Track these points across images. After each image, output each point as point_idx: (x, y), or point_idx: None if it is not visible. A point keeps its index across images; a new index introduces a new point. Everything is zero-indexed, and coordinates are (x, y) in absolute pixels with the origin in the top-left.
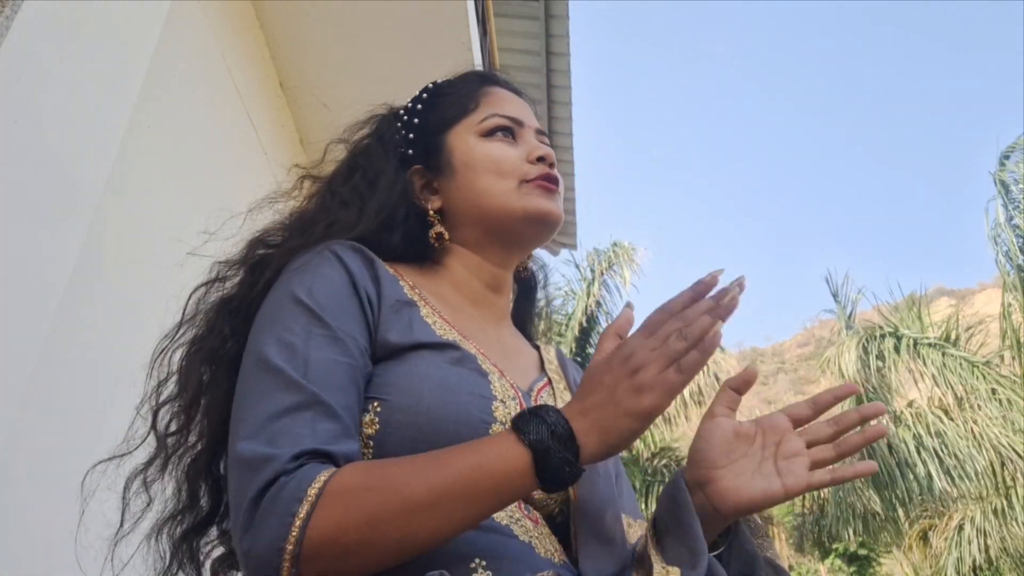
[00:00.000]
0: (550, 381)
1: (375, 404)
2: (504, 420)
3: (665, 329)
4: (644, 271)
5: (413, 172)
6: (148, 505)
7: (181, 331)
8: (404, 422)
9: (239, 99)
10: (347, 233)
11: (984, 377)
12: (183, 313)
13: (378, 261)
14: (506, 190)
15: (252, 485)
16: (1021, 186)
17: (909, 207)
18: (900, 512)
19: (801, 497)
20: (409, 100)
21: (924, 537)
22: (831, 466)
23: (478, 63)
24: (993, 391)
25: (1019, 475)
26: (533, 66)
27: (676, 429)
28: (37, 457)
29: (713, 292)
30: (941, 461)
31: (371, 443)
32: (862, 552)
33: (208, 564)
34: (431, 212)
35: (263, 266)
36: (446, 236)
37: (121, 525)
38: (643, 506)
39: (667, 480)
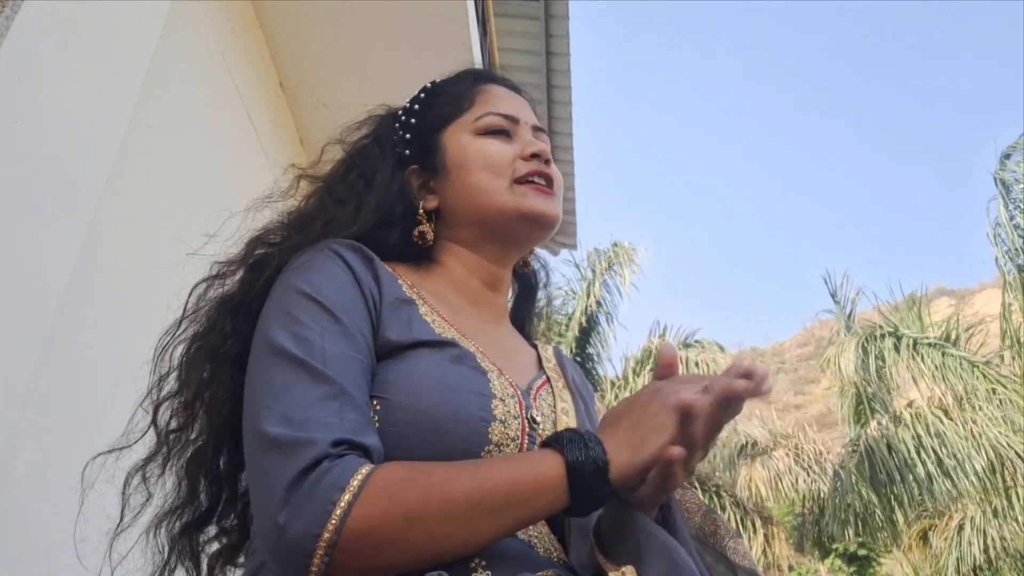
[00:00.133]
0: (548, 380)
1: (375, 403)
2: (503, 418)
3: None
4: (644, 271)
5: (410, 172)
6: (148, 500)
7: (182, 327)
8: (404, 420)
9: (239, 99)
10: (345, 231)
11: (984, 377)
12: (184, 309)
13: (377, 260)
14: (499, 188)
15: (290, 467)
16: (1022, 186)
17: (909, 207)
18: (899, 512)
19: (801, 497)
20: (407, 101)
21: (924, 537)
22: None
23: (478, 63)
24: (993, 391)
25: (1019, 475)
26: (533, 66)
27: None
28: (37, 457)
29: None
30: (940, 461)
31: None
32: (862, 552)
33: (206, 560)
34: (421, 211)
35: (263, 265)
36: (429, 237)
37: (121, 520)
38: None
39: None
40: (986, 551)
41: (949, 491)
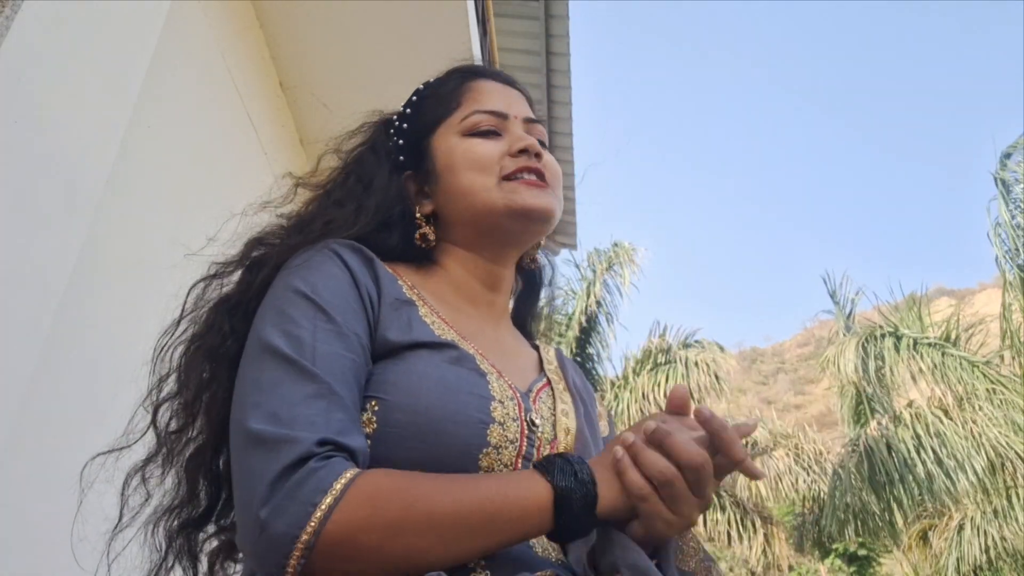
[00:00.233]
0: (549, 382)
1: (373, 403)
2: (502, 420)
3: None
4: (644, 271)
5: (407, 178)
6: (146, 500)
7: (180, 327)
8: (402, 421)
9: (239, 99)
10: (345, 231)
11: (984, 377)
12: (182, 309)
13: (377, 260)
14: (487, 187)
15: (274, 464)
16: (1022, 185)
17: (910, 207)
18: (899, 512)
19: (801, 497)
20: (402, 105)
21: (924, 537)
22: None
23: (478, 63)
24: (993, 391)
25: (1019, 475)
26: (533, 66)
27: None
28: (37, 457)
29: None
30: (940, 461)
31: (368, 442)
32: (862, 552)
33: (205, 557)
34: (418, 215)
35: (261, 264)
36: (431, 238)
37: (120, 520)
38: None
39: None
40: (986, 551)
41: (949, 491)
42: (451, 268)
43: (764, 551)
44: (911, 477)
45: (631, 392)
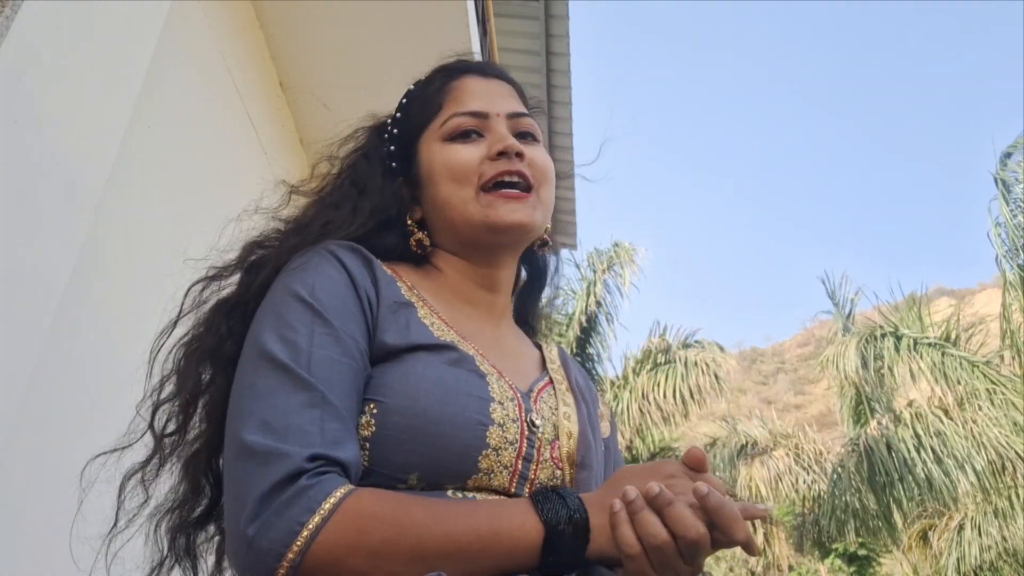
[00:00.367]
0: (551, 381)
1: (371, 406)
2: (502, 422)
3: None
4: (644, 271)
5: (399, 184)
6: (145, 502)
7: (176, 328)
8: (401, 424)
9: (239, 99)
10: (343, 232)
11: (984, 377)
12: (179, 310)
13: (376, 262)
14: (465, 199)
15: (264, 478)
16: (1022, 185)
17: (910, 207)
18: (898, 512)
19: (801, 497)
20: (395, 108)
21: (924, 537)
22: None
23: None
24: (993, 391)
25: (1019, 475)
26: (533, 66)
27: (676, 429)
28: (37, 457)
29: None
30: (940, 461)
31: (367, 445)
32: (862, 552)
33: (203, 560)
34: (410, 222)
35: (260, 266)
36: (427, 243)
37: (116, 523)
38: None
39: None
40: (987, 551)
41: (949, 491)
42: (447, 271)
43: (764, 551)
44: (911, 477)
45: (631, 392)
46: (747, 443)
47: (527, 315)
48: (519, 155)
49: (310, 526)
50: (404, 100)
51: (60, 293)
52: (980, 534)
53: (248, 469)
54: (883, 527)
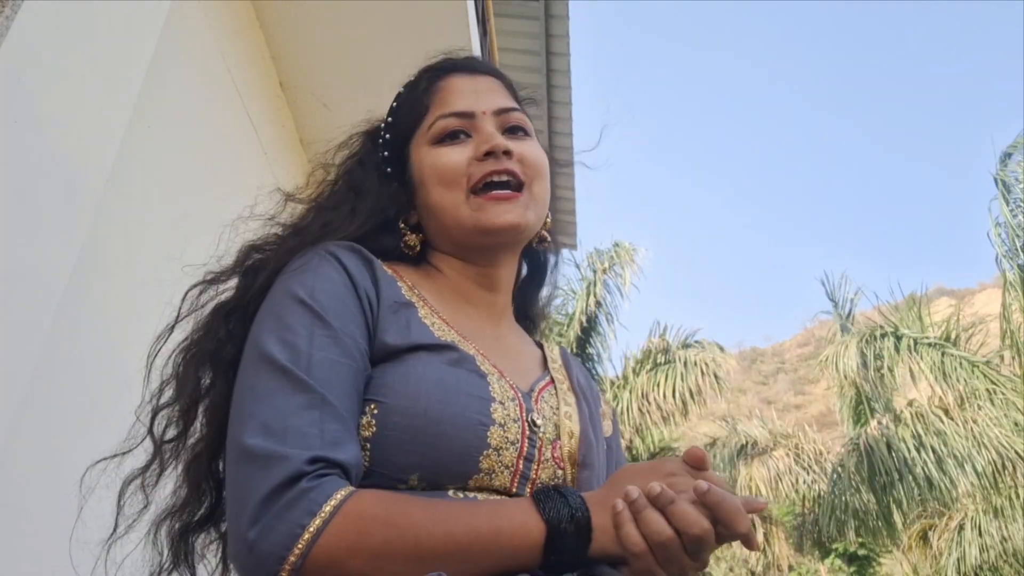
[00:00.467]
0: (553, 380)
1: (372, 406)
2: (503, 422)
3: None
4: (644, 271)
5: (396, 188)
6: (145, 508)
7: (174, 333)
8: (401, 424)
9: (239, 99)
10: (342, 233)
11: (984, 377)
12: (177, 314)
13: (376, 262)
14: (456, 203)
15: (264, 482)
16: (1022, 186)
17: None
18: (898, 512)
19: (801, 497)
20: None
21: (924, 537)
22: None
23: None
24: (993, 391)
25: (1019, 475)
26: (533, 66)
27: (676, 429)
28: (37, 457)
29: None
30: (941, 461)
31: (368, 446)
32: (862, 552)
33: (204, 563)
34: (401, 224)
35: (258, 269)
36: (412, 244)
37: (115, 529)
38: None
39: None
40: (986, 551)
41: (949, 491)
42: (446, 271)
43: (764, 551)
44: (911, 477)
45: (631, 392)
46: (747, 443)
47: (528, 310)
48: (507, 153)
49: (311, 529)
50: (394, 104)
51: (60, 293)
52: (980, 534)
53: (248, 472)
54: (883, 527)
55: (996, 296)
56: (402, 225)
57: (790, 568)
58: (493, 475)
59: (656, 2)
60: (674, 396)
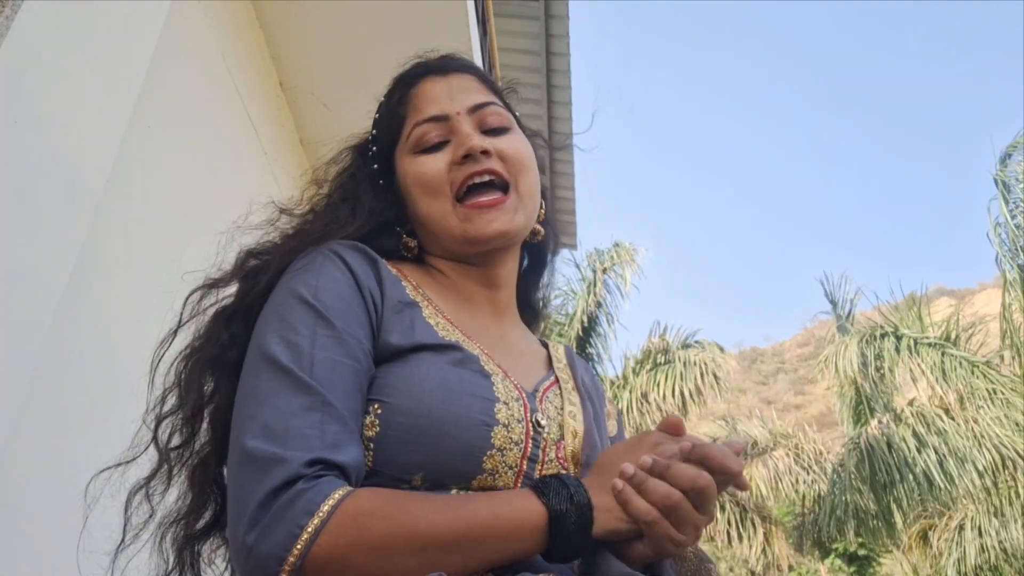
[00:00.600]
0: (558, 380)
1: (375, 406)
2: (507, 422)
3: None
4: (645, 271)
5: (390, 198)
6: (151, 517)
7: (176, 337)
8: (405, 424)
9: (239, 99)
10: (345, 232)
11: (984, 377)
12: (179, 319)
13: (381, 261)
14: (444, 213)
15: (263, 484)
16: (1022, 186)
17: (910, 207)
18: (898, 513)
19: (801, 497)
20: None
21: (924, 537)
22: None
23: (478, 63)
24: (993, 391)
25: (1020, 475)
26: (533, 66)
27: None
28: (37, 458)
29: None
30: (941, 461)
31: (371, 445)
32: (862, 552)
33: (211, 568)
34: (398, 228)
35: (259, 272)
36: (411, 245)
37: (123, 539)
38: None
39: None
40: (986, 551)
41: (949, 491)
42: (446, 271)
43: (764, 551)
44: (911, 477)
45: (631, 392)
46: (747, 443)
47: (528, 299)
48: (485, 152)
49: (309, 529)
50: (376, 116)
51: (60, 293)
52: (980, 534)
53: (248, 475)
54: (883, 527)
55: (996, 296)
56: (399, 229)
57: (790, 568)
58: (496, 475)
59: (656, 2)
60: (674, 396)
